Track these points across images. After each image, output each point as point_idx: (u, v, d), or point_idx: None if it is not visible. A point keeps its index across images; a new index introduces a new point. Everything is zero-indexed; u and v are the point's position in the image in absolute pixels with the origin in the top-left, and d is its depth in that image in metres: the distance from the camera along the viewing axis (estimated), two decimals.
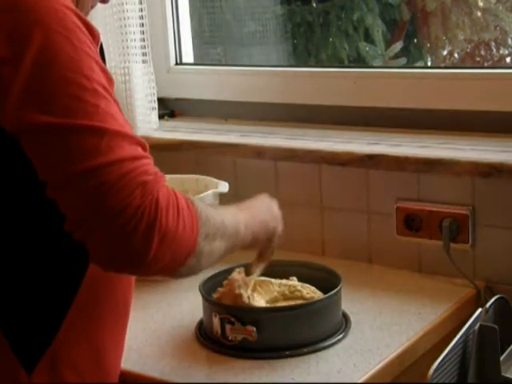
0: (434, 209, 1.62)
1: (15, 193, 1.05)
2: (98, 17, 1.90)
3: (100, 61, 1.02)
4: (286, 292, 1.41)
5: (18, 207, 1.05)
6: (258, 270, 1.37)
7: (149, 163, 1.00)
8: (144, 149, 1.01)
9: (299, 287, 1.42)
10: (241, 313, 1.32)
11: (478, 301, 1.54)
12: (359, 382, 1.24)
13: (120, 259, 0.99)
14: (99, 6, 1.27)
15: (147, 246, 0.97)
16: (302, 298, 1.41)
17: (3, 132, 0.99)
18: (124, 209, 0.95)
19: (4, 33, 0.97)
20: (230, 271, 1.46)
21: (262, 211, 1.26)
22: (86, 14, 1.16)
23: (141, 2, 1.92)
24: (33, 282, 1.08)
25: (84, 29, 1.01)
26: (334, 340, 1.35)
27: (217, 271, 1.44)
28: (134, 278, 1.21)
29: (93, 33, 1.03)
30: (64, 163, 0.96)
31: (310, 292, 1.42)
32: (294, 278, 1.45)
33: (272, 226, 1.27)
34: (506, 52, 2.67)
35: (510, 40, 2.64)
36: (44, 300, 1.08)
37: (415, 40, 2.75)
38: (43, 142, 0.97)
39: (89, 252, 1.00)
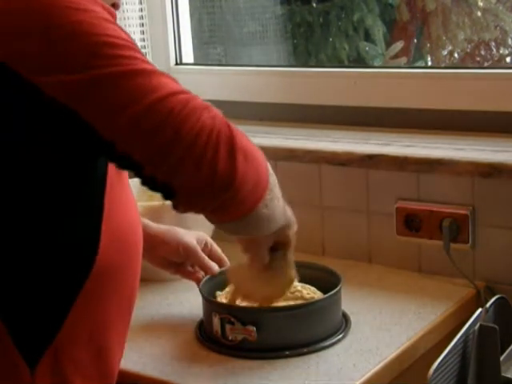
0: (434, 209, 1.62)
1: (21, 186, 1.04)
2: None
3: (120, 26, 1.01)
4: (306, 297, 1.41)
5: (24, 202, 1.05)
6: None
7: (199, 97, 0.99)
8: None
9: (299, 287, 1.42)
10: (241, 313, 1.33)
11: (478, 301, 1.54)
12: (359, 382, 1.24)
13: (210, 185, 0.96)
14: None
15: (233, 163, 0.95)
16: (302, 298, 1.41)
17: (19, 122, 0.97)
18: (200, 131, 0.94)
19: (21, 16, 0.97)
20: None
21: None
22: None
23: (141, 2, 1.93)
24: (36, 277, 1.07)
25: (100, 6, 1.01)
26: (333, 340, 1.35)
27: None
28: (138, 275, 1.20)
29: (110, 11, 1.03)
30: (122, 108, 0.94)
31: (311, 292, 1.42)
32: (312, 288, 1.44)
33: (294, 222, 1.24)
34: (506, 52, 2.67)
35: (510, 40, 2.64)
36: (47, 296, 1.08)
37: (415, 40, 2.75)
38: (97, 96, 0.94)
39: (177, 197, 0.98)
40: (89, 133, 0.96)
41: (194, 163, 0.94)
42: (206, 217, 1.05)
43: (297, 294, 1.41)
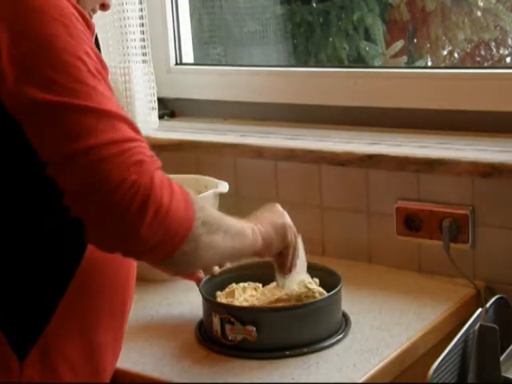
0: (434, 209, 1.62)
1: (9, 179, 1.06)
2: (97, 17, 1.88)
3: (95, 48, 1.05)
4: (302, 296, 1.39)
5: (11, 195, 1.06)
6: (287, 282, 1.37)
7: (145, 146, 1.03)
8: (138, 133, 1.04)
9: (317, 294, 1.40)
10: (240, 313, 1.33)
11: (478, 301, 1.54)
12: (359, 382, 1.24)
13: (115, 232, 1.00)
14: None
15: (141, 218, 0.99)
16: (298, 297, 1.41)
17: (4, 112, 1.01)
18: (121, 183, 0.98)
19: (4, 20, 1.00)
20: (229, 271, 1.46)
21: (269, 217, 1.27)
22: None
23: (141, 2, 1.93)
24: (25, 268, 1.09)
25: (80, 19, 1.04)
26: (334, 340, 1.35)
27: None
28: (133, 269, 1.20)
29: (88, 23, 1.06)
30: (63, 142, 0.99)
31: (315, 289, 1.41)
32: (316, 281, 1.43)
33: (284, 230, 1.28)
34: (506, 52, 2.67)
35: (510, 40, 2.64)
36: (36, 288, 1.09)
37: (415, 40, 2.75)
38: (42, 120, 0.99)
39: (85, 230, 1.01)
40: (28, 146, 1.01)
41: (107, 210, 0.99)
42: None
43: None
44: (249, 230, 1.18)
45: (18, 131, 1.01)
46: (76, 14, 1.03)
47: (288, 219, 1.30)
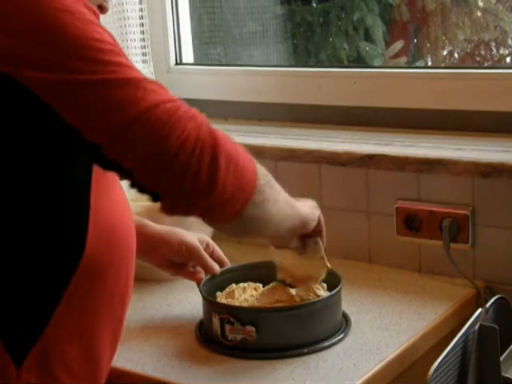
0: (434, 209, 1.62)
1: (7, 182, 1.04)
2: None
3: (105, 28, 1.03)
4: (304, 297, 1.39)
5: (8, 198, 1.05)
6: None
7: (186, 104, 1.03)
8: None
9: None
10: (240, 313, 1.32)
11: (478, 301, 1.54)
12: (359, 382, 1.24)
13: (192, 193, 0.99)
14: None
15: (215, 170, 0.98)
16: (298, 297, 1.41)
17: (14, 117, 0.99)
18: (185, 142, 0.97)
19: (8, 18, 0.97)
20: (229, 271, 1.46)
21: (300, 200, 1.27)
22: None
23: (141, 2, 1.93)
24: (22, 272, 1.07)
25: (86, 8, 1.02)
26: (334, 340, 1.35)
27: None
28: (131, 271, 1.20)
29: (94, 12, 1.04)
30: (111, 116, 0.96)
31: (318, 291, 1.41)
32: (324, 285, 1.42)
33: (317, 214, 1.30)
34: (506, 52, 2.67)
35: (510, 40, 2.64)
36: (34, 292, 1.08)
37: (415, 40, 2.75)
38: (82, 102, 0.96)
39: (162, 202, 1.01)
40: (72, 134, 0.98)
41: (179, 171, 0.98)
42: (198, 218, 1.09)
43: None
44: (296, 204, 1.19)
45: (21, 141, 1.00)
46: (79, 3, 1.01)
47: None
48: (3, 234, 1.06)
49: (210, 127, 1.02)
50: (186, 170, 0.98)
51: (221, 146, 1.01)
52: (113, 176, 1.10)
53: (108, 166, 1.02)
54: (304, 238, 1.33)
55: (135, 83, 0.98)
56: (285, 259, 1.38)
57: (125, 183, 1.07)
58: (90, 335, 1.14)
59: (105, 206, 1.11)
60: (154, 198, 1.02)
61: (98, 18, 1.05)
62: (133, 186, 1.02)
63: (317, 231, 1.32)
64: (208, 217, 1.06)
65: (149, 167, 0.98)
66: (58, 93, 0.96)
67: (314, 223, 1.29)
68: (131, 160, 0.98)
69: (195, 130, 0.99)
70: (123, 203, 1.18)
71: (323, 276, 1.38)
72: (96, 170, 1.08)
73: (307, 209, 1.27)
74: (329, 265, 1.38)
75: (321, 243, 1.35)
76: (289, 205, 1.17)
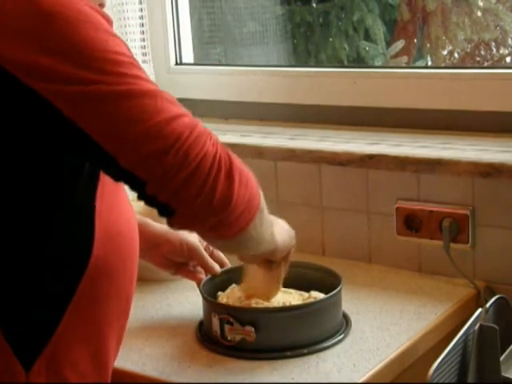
0: (434, 209, 1.62)
1: (17, 184, 1.04)
2: None
3: (121, 38, 1.03)
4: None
5: (20, 202, 1.05)
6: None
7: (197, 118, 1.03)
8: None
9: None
10: (239, 313, 1.32)
11: (478, 301, 1.54)
12: (359, 382, 1.24)
13: (208, 207, 1.00)
14: None
15: (231, 186, 1.00)
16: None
17: (18, 123, 0.99)
18: (204, 157, 0.98)
19: (25, 31, 0.97)
20: (229, 272, 1.46)
21: (283, 228, 1.29)
22: None
23: (141, 2, 1.93)
24: (31, 277, 1.07)
25: (102, 17, 1.02)
26: (334, 340, 1.35)
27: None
28: (135, 273, 1.20)
29: (107, 18, 1.04)
30: (130, 125, 0.96)
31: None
32: (318, 294, 1.42)
33: (291, 245, 1.31)
34: (506, 52, 2.67)
35: (510, 40, 2.64)
36: (42, 296, 1.08)
37: (415, 40, 2.75)
38: (102, 113, 0.96)
39: (176, 215, 1.01)
40: (89, 144, 0.97)
41: (197, 186, 0.98)
42: (200, 235, 1.11)
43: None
44: (273, 231, 1.20)
45: (29, 144, 1.00)
46: (92, 10, 1.01)
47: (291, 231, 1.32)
48: (12, 239, 1.06)
49: (223, 145, 1.03)
50: (203, 186, 0.98)
51: (235, 163, 1.02)
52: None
53: (121, 177, 1.02)
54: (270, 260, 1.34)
55: (154, 94, 0.98)
56: (252, 268, 1.38)
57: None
58: (98, 337, 1.14)
59: (110, 209, 1.12)
60: (166, 212, 1.02)
61: (111, 24, 1.05)
62: (142, 197, 1.01)
63: (283, 258, 1.33)
64: (214, 232, 1.06)
65: (166, 182, 0.98)
66: (77, 104, 0.96)
67: (283, 254, 1.30)
68: (148, 173, 0.98)
69: (213, 146, 1.00)
70: (127, 205, 1.18)
71: (274, 297, 1.39)
72: (102, 175, 1.08)
73: (283, 238, 1.27)
74: (281, 289, 1.40)
75: (282, 270, 1.35)
76: (270, 231, 1.18)
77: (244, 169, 1.05)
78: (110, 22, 1.04)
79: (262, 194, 1.10)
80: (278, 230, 1.24)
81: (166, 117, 0.97)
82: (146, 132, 0.96)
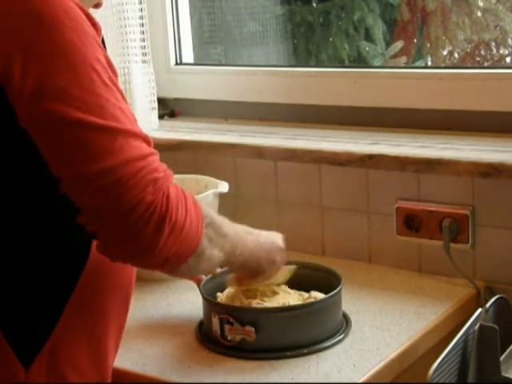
0: (434, 209, 1.62)
1: (17, 185, 1.05)
2: (97, 17, 1.87)
3: (105, 51, 1.04)
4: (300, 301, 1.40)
5: (19, 200, 1.06)
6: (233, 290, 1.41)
7: (157, 160, 1.04)
8: (149, 145, 1.05)
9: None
10: (239, 313, 1.32)
11: (478, 301, 1.54)
12: (359, 382, 1.24)
13: (130, 249, 1.03)
14: None
15: (157, 236, 1.01)
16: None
17: (16, 125, 1.00)
18: (137, 205, 0.99)
19: (11, 28, 0.98)
20: (230, 272, 1.46)
21: (263, 246, 1.28)
22: None
23: (141, 2, 1.92)
24: (30, 275, 1.08)
25: (88, 22, 1.03)
26: (334, 340, 1.35)
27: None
28: (134, 271, 1.21)
29: (96, 26, 1.05)
30: (79, 161, 0.99)
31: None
32: (318, 294, 1.42)
33: (263, 266, 1.29)
34: (506, 52, 2.67)
35: (510, 40, 2.64)
36: (41, 294, 1.08)
37: (415, 40, 2.75)
38: (57, 135, 0.99)
39: (99, 243, 1.04)
40: (36, 159, 1.01)
41: (124, 230, 1.01)
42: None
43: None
44: (238, 249, 1.19)
45: (27, 144, 1.01)
46: (83, 16, 1.02)
47: (277, 253, 1.31)
48: (11, 237, 1.07)
49: (168, 193, 1.02)
50: (130, 231, 1.00)
51: (171, 214, 1.02)
52: None
53: (64, 196, 1.03)
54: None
55: (115, 132, 1.00)
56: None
57: None
58: (97, 335, 1.15)
59: None
60: (93, 237, 1.05)
61: (100, 34, 1.07)
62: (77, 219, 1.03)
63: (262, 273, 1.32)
64: (140, 267, 1.13)
65: (97, 217, 1.01)
66: (38, 122, 0.99)
67: (262, 269, 1.29)
68: (84, 205, 1.01)
69: (151, 195, 1.00)
70: None
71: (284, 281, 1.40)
72: None
73: (255, 256, 1.26)
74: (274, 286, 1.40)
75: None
76: (228, 253, 1.16)
77: (181, 220, 1.03)
78: (97, 29, 1.06)
79: (208, 230, 1.09)
80: (249, 249, 1.23)
81: (114, 161, 0.98)
82: (88, 172, 0.98)
